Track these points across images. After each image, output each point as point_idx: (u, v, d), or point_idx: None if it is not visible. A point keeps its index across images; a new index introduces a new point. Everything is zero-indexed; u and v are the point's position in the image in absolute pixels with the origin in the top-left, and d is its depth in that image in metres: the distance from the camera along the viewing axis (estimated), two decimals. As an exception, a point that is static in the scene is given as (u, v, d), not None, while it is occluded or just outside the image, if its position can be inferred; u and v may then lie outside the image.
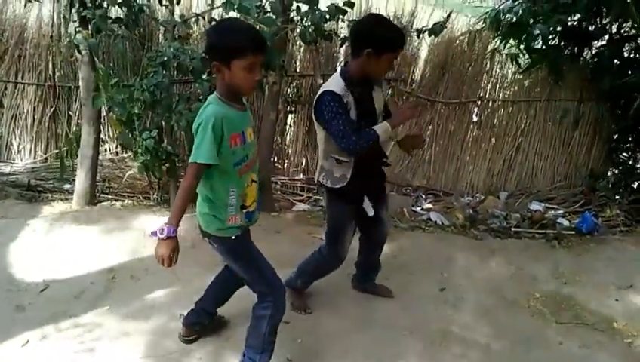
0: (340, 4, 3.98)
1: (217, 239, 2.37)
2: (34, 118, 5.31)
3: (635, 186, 5.42)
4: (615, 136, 5.49)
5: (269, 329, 2.47)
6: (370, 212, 2.88)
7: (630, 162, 5.59)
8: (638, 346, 3.11)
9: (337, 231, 2.96)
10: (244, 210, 2.36)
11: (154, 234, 2.12)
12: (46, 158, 5.34)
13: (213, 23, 2.37)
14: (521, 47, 5.20)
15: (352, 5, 4.03)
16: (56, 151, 5.20)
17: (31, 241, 3.88)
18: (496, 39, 5.20)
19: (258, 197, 2.46)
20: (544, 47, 5.03)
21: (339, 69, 2.73)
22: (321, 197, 5.15)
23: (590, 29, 5.10)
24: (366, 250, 3.30)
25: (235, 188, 2.29)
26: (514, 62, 5.23)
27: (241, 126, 2.25)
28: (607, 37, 5.11)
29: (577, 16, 5.03)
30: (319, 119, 2.65)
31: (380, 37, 2.53)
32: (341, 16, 4.14)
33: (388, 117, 2.77)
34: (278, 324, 2.51)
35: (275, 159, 5.38)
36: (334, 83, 2.63)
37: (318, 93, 2.65)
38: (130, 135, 4.13)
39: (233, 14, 4.15)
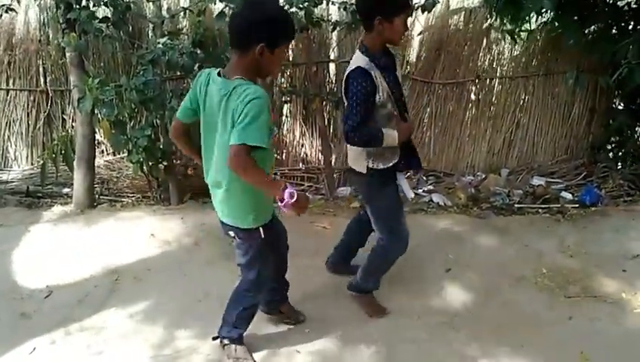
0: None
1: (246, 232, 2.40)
2: (28, 124, 5.27)
3: (636, 155, 5.36)
4: (614, 106, 5.43)
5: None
6: (410, 194, 2.81)
7: (630, 131, 5.51)
8: (648, 316, 3.10)
9: (393, 215, 2.87)
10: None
11: (285, 205, 2.11)
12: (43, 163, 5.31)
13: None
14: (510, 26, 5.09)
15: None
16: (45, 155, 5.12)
17: (32, 248, 3.86)
18: (493, 15, 5.08)
19: None
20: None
21: (357, 50, 2.68)
22: (321, 186, 5.12)
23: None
24: (354, 237, 3.30)
25: (269, 161, 2.32)
26: (511, 38, 5.14)
27: None
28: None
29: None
30: (347, 96, 2.61)
31: (387, 1, 2.51)
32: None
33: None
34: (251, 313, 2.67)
35: (274, 150, 5.35)
36: (359, 59, 2.60)
37: (347, 72, 2.61)
38: (122, 136, 4.09)
39: (220, 4, 4.12)
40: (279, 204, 2.11)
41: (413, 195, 2.82)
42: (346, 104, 2.63)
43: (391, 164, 2.72)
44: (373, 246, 3.00)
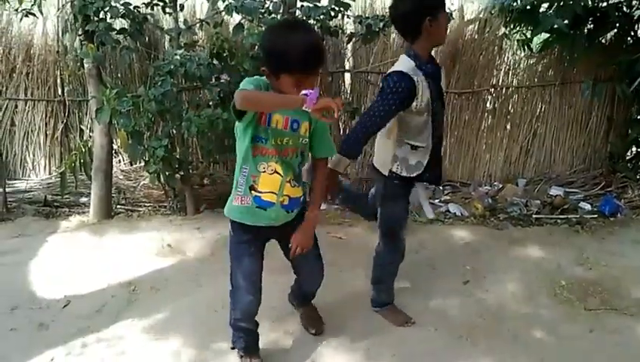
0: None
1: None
2: (46, 134, 5.34)
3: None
4: (633, 116, 5.37)
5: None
6: (430, 215, 2.76)
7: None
8: (670, 329, 3.04)
9: (396, 227, 2.85)
10: (252, 192, 2.24)
11: (309, 104, 1.99)
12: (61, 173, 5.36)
13: (275, 22, 2.32)
14: (529, 34, 5.07)
15: (354, -2, 4.02)
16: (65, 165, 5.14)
17: (50, 257, 3.88)
18: (507, 26, 5.05)
19: (283, 196, 2.30)
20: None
21: (403, 55, 2.58)
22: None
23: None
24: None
25: (248, 167, 2.22)
26: (526, 48, 5.12)
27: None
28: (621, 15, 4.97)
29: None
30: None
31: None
32: (346, 12, 4.13)
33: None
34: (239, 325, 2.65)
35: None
36: (403, 63, 2.51)
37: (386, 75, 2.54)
38: (139, 146, 4.11)
39: (237, 17, 4.15)
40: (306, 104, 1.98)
41: (433, 216, 2.77)
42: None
43: (414, 175, 2.68)
44: (373, 255, 3.01)
